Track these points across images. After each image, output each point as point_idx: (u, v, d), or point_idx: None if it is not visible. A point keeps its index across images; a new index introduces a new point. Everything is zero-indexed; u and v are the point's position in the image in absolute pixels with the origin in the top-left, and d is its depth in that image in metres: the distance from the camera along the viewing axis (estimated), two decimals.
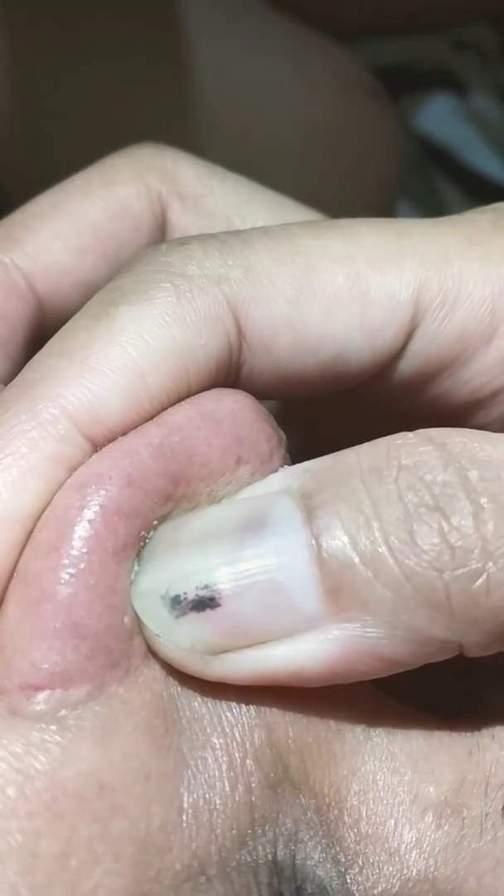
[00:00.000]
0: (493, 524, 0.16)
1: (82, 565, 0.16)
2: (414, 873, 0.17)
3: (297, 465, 0.18)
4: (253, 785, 0.17)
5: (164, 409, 0.18)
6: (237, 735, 0.17)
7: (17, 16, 0.49)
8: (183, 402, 0.18)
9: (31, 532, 0.17)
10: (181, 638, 0.17)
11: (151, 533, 0.17)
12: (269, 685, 0.17)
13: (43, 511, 0.17)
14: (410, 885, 0.17)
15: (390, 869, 0.17)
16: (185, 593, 0.17)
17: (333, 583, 0.16)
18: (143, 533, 0.17)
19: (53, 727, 0.16)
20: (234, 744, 0.17)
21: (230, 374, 0.19)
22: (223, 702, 0.17)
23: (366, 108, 0.58)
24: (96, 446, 0.17)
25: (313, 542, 0.16)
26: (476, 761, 0.18)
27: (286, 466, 0.18)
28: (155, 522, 0.17)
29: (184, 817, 0.16)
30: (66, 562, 0.16)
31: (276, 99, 0.55)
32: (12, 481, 0.17)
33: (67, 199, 0.23)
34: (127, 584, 0.17)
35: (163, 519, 0.17)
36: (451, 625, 0.16)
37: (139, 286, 0.18)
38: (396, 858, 0.17)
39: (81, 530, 0.17)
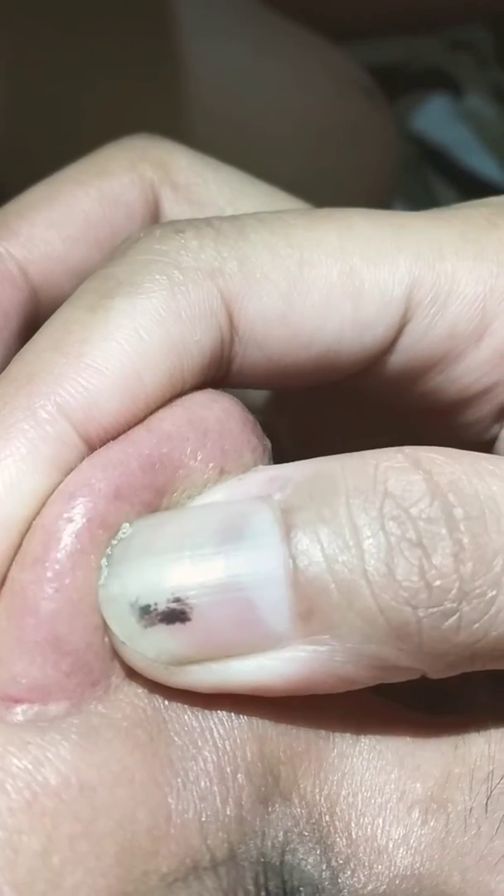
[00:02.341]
0: (472, 565, 0.16)
1: (67, 580, 0.16)
2: (401, 870, 0.17)
3: (279, 470, 0.17)
4: (243, 800, 0.17)
5: (158, 406, 0.18)
6: (228, 748, 0.17)
7: (14, 21, 0.49)
8: (174, 405, 0.18)
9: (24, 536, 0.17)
10: (147, 647, 0.16)
11: (123, 533, 0.17)
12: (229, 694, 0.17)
13: (36, 514, 0.17)
14: (398, 881, 0.17)
15: (380, 867, 0.17)
16: (155, 604, 0.16)
17: (306, 606, 0.16)
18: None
19: (35, 729, 0.16)
20: (226, 757, 0.17)
21: (221, 367, 0.19)
22: (214, 715, 0.17)
23: (362, 106, 0.58)
24: (90, 447, 0.17)
25: (290, 561, 0.16)
26: (461, 755, 0.18)
27: (265, 466, 0.18)
28: (127, 524, 0.17)
29: (171, 826, 0.16)
30: (50, 575, 0.16)
31: (272, 98, 0.55)
32: (11, 483, 0.16)
33: (62, 188, 0.23)
34: None
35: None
36: (418, 656, 0.16)
37: (134, 277, 0.18)
38: (385, 856, 0.17)
39: (67, 544, 0.16)
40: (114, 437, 0.17)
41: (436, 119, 0.72)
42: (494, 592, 0.16)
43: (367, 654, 0.16)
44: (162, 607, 0.16)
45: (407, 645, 0.16)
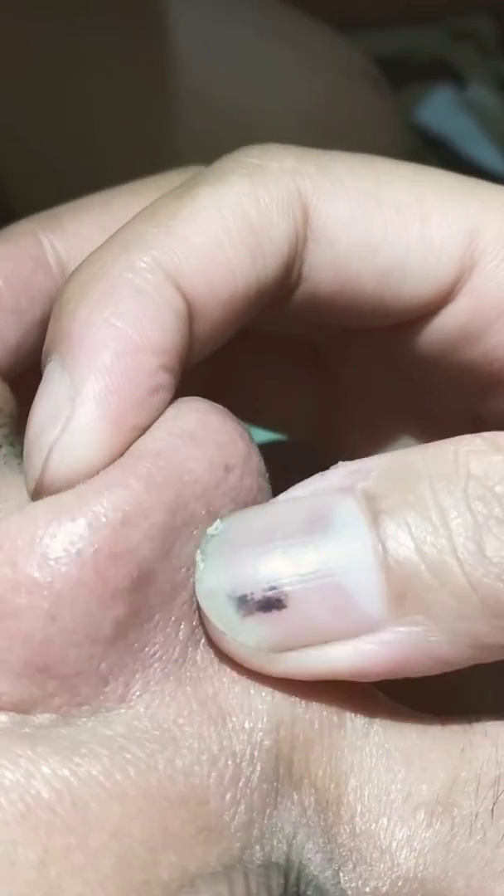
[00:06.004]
0: None
1: (66, 612, 0.16)
2: (403, 872, 0.17)
3: (360, 463, 0.18)
4: (254, 799, 0.17)
5: (245, 283, 0.19)
6: (244, 764, 0.17)
7: (17, 19, 0.49)
8: (200, 441, 0.18)
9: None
10: (247, 636, 0.17)
11: (215, 529, 0.17)
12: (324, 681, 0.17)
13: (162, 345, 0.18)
14: (400, 883, 0.17)
15: (382, 867, 0.17)
16: (251, 593, 0.17)
17: (399, 588, 0.16)
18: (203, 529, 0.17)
19: (24, 742, 0.16)
20: (238, 770, 0.17)
21: (295, 263, 0.20)
22: (231, 725, 0.17)
23: (368, 96, 0.57)
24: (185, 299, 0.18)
25: (380, 546, 0.16)
26: (468, 759, 0.18)
27: (345, 462, 0.18)
28: (218, 520, 0.17)
29: (167, 837, 0.16)
30: (47, 606, 0.16)
31: (278, 87, 0.55)
32: (141, 318, 0.18)
33: (116, 196, 0.24)
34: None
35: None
36: None
37: (218, 173, 0.20)
38: (388, 856, 0.17)
39: (71, 574, 0.16)
40: (195, 303, 0.18)
41: (439, 110, 0.71)
42: None
43: (462, 633, 0.16)
44: (258, 596, 0.17)
45: (501, 621, 0.16)
